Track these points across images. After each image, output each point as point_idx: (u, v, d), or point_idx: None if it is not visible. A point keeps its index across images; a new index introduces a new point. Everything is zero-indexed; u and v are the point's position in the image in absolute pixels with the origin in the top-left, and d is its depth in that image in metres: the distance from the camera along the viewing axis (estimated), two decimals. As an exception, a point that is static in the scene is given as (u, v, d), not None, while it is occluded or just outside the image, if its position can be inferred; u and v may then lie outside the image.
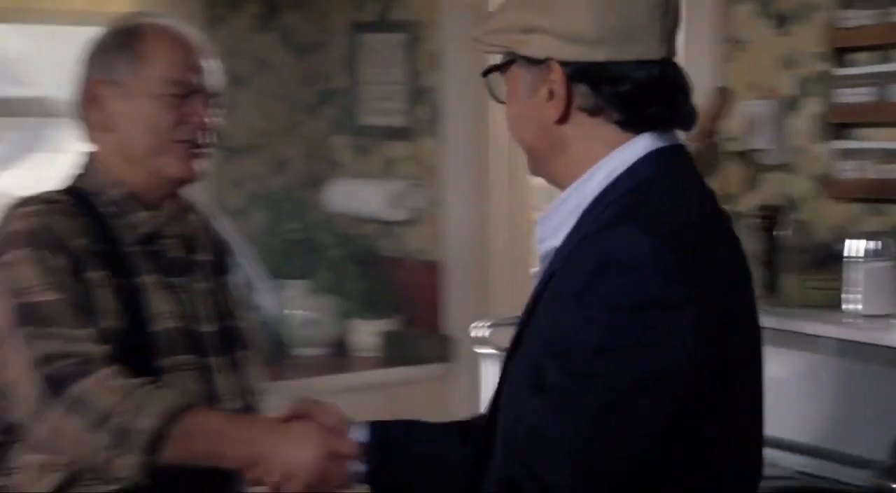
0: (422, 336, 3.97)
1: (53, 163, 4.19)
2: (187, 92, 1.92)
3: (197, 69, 1.94)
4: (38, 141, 4.17)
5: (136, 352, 1.84)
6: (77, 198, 1.93)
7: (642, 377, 1.25)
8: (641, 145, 1.38)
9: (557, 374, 1.29)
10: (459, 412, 2.93)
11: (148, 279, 1.92)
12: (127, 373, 1.76)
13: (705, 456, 1.32)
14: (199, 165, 1.96)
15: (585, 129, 1.39)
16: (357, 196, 4.11)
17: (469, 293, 3.93)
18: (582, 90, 1.37)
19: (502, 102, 1.48)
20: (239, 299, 2.14)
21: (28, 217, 1.85)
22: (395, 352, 3.95)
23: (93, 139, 1.99)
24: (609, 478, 1.28)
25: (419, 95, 4.05)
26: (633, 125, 1.38)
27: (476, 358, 3.18)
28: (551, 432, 1.29)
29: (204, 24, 3.68)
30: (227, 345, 2.02)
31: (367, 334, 4.03)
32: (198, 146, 1.95)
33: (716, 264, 1.33)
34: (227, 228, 2.22)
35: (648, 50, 1.36)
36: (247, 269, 3.10)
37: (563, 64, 1.37)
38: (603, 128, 1.39)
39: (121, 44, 1.94)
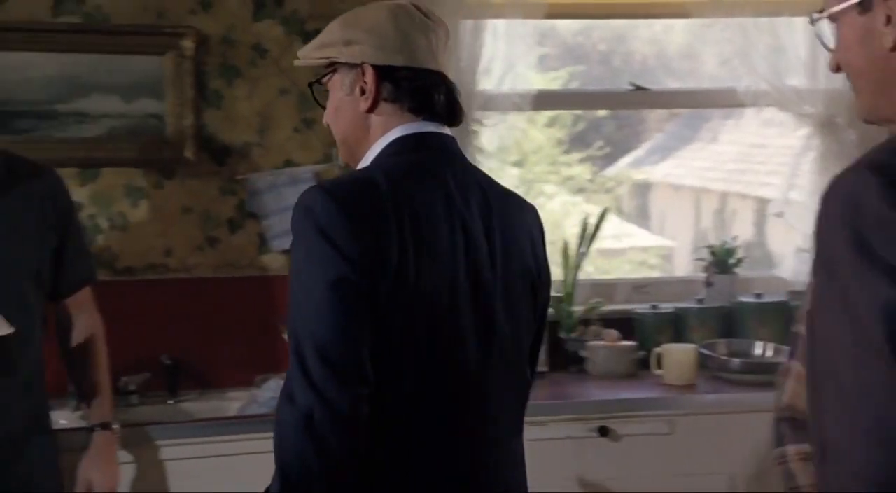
0: None
1: (709, 153, 4.36)
2: None
3: None
4: (696, 132, 4.33)
5: None
6: None
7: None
8: (407, 128, 1.83)
9: None
10: None
11: None
12: None
13: None
14: None
15: (382, 109, 1.84)
16: None
17: None
18: (387, 85, 1.83)
19: (324, 107, 1.91)
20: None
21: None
22: None
23: None
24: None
25: None
26: (419, 112, 1.83)
27: None
28: None
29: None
30: None
31: None
32: None
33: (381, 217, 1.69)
34: None
35: (426, 62, 1.84)
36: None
37: (374, 66, 1.83)
38: (399, 114, 1.84)
39: None
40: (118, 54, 3.23)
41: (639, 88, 3.66)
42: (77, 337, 2.60)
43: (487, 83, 3.45)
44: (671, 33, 4.31)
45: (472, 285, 1.75)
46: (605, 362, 3.38)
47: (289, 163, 3.45)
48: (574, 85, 4.20)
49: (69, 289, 2.55)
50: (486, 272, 1.77)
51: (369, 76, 1.82)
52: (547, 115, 4.15)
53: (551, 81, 4.18)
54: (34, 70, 3.22)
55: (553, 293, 3.20)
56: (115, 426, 2.60)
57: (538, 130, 4.51)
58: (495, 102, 3.46)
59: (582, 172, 4.67)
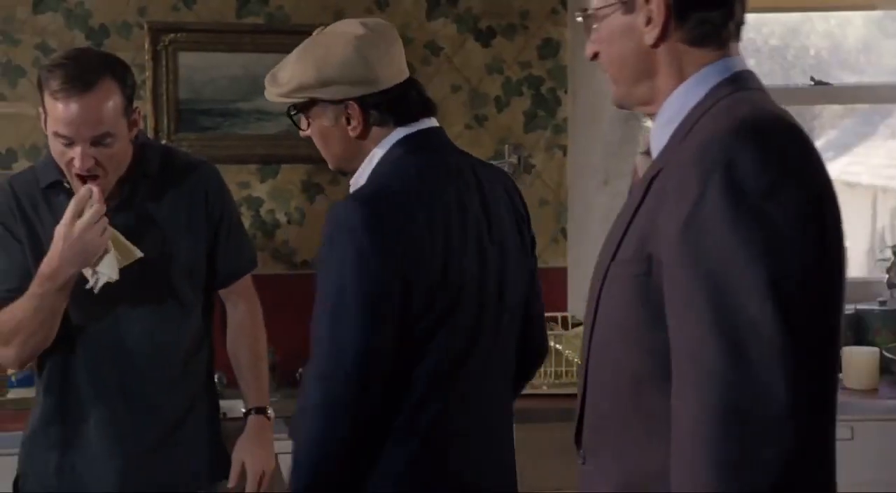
0: None
1: (888, 150, 4.20)
2: None
3: None
4: (873, 128, 4.19)
5: None
6: None
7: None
8: (399, 132, 2.04)
9: None
10: None
11: None
12: None
13: None
14: None
15: (373, 132, 2.04)
16: None
17: None
18: (373, 112, 2.02)
19: (303, 130, 2.10)
20: None
21: None
22: None
23: None
24: None
25: None
26: (400, 123, 2.04)
27: None
28: None
29: None
30: None
31: None
32: None
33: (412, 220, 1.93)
34: None
35: (398, 77, 2.05)
36: None
37: (357, 99, 2.01)
38: (381, 129, 2.04)
39: None
40: (298, 53, 3.32)
41: (819, 83, 3.56)
42: (235, 324, 2.65)
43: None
44: (848, 27, 4.19)
45: (481, 262, 2.00)
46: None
47: (461, 159, 3.48)
48: (744, 80, 4.13)
49: (228, 279, 2.61)
50: (485, 241, 2.01)
51: (354, 111, 2.02)
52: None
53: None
54: (219, 69, 3.34)
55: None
56: (270, 412, 2.63)
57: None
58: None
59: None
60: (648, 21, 1.47)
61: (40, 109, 2.33)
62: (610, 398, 1.50)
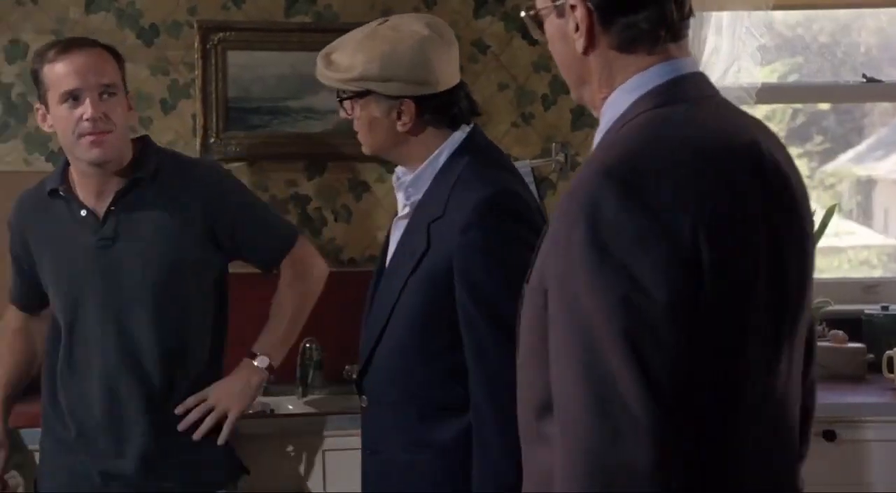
0: None
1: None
2: None
3: None
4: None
5: None
6: None
7: None
8: (458, 136, 2.16)
9: None
10: None
11: None
12: None
13: None
14: None
15: (427, 132, 2.15)
16: None
17: None
18: (426, 112, 2.12)
19: (349, 114, 2.16)
20: None
21: None
22: None
23: None
24: None
25: None
26: (452, 125, 2.16)
27: None
28: None
29: None
30: None
31: None
32: None
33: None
34: None
35: (454, 80, 2.15)
36: None
37: (413, 98, 2.10)
38: (436, 130, 2.16)
39: None
40: (345, 52, 3.33)
41: (871, 80, 3.52)
42: (277, 294, 2.66)
43: (709, 77, 3.39)
44: (900, 23, 4.13)
45: None
46: (832, 364, 3.27)
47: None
48: (792, 78, 4.08)
49: (271, 263, 2.65)
50: None
51: (409, 108, 2.10)
52: (764, 108, 4.04)
53: (769, 74, 4.07)
54: (267, 68, 3.36)
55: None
56: (260, 363, 2.58)
57: (753, 125, 4.41)
58: (718, 96, 3.39)
59: (800, 167, 4.54)
60: (577, 28, 1.42)
61: (36, 105, 2.43)
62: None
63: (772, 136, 1.49)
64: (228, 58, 3.34)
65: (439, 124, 2.15)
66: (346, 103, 2.17)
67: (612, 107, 1.43)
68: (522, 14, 1.52)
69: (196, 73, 3.33)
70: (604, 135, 1.43)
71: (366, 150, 2.22)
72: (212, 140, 3.34)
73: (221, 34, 3.33)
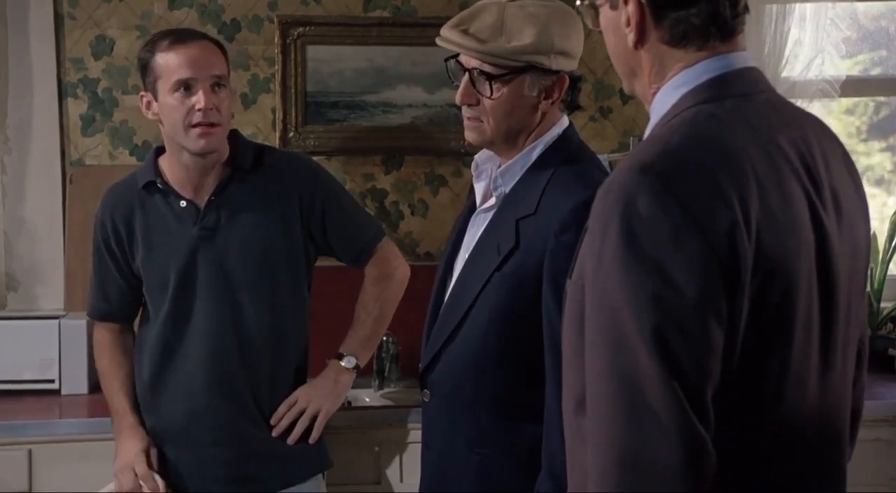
0: None
1: None
2: None
3: None
4: None
5: None
6: None
7: None
8: (555, 131, 2.11)
9: None
10: None
11: None
12: None
13: None
14: None
15: (552, 114, 2.09)
16: None
17: None
18: (569, 93, 2.08)
19: (486, 96, 2.02)
20: None
21: None
22: None
23: None
24: None
25: None
26: (569, 110, 2.14)
27: None
28: None
29: None
30: None
31: None
32: None
33: None
34: None
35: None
36: None
37: (569, 73, 2.06)
38: (559, 114, 2.11)
39: None
40: (423, 46, 3.34)
41: (958, 73, 3.43)
42: (362, 295, 2.69)
43: (791, 69, 3.34)
44: None
45: None
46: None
47: (585, 152, 3.46)
48: (875, 71, 4.00)
49: (357, 261, 2.67)
50: None
51: (564, 84, 2.04)
52: (846, 102, 3.97)
53: (852, 67, 4.00)
54: (346, 62, 3.38)
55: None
56: (346, 363, 2.62)
57: (834, 118, 4.32)
58: (800, 89, 3.34)
59: (882, 161, 4.44)
60: (628, 22, 1.42)
61: (141, 93, 2.45)
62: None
63: (827, 134, 1.48)
64: (307, 52, 3.37)
65: (562, 107, 2.10)
66: (486, 85, 2.02)
67: (662, 101, 1.43)
68: (577, 3, 1.52)
69: (276, 67, 3.36)
70: (652, 129, 1.43)
71: (485, 136, 2.08)
72: (290, 134, 3.37)
73: (301, 29, 3.36)
